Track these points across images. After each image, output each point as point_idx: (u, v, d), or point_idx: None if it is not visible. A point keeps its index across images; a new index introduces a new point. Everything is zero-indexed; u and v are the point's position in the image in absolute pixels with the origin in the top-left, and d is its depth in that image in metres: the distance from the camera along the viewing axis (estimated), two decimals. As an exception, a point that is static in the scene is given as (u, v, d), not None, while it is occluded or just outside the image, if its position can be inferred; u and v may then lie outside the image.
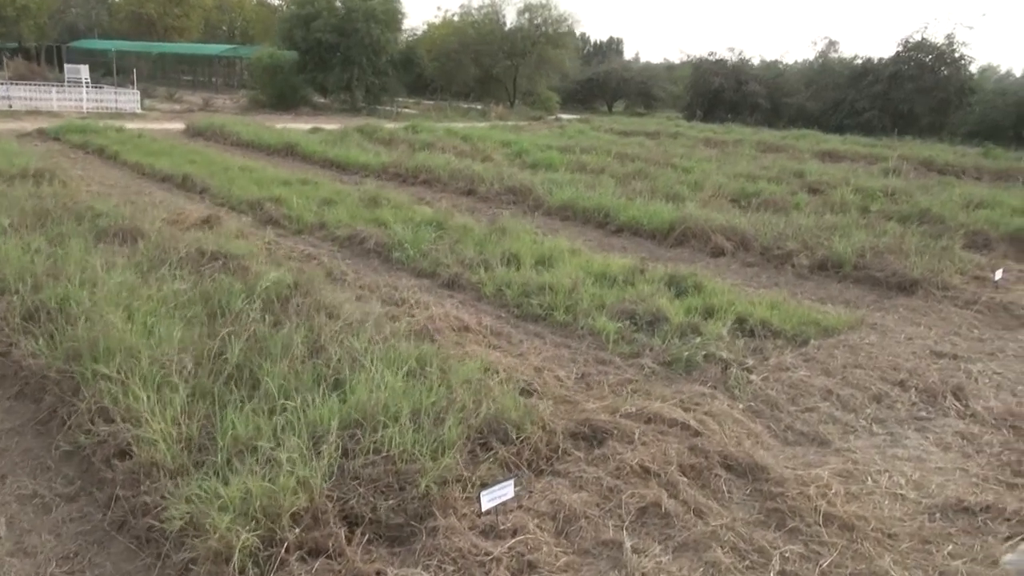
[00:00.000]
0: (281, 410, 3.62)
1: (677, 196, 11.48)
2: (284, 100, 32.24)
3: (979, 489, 3.85)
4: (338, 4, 30.32)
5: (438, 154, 15.83)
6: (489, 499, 3.08)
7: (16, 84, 23.81)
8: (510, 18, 38.55)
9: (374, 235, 8.43)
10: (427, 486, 3.24)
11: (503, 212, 11.27)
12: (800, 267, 8.35)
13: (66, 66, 26.55)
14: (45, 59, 60.44)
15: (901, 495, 3.76)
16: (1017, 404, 4.90)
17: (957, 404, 4.86)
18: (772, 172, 15.66)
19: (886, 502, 3.69)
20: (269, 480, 3.01)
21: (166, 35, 61.14)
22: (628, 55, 79.62)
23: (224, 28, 69.04)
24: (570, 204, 10.87)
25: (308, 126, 22.91)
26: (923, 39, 36.34)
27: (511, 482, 3.22)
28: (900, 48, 36.94)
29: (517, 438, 3.77)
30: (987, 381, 5.37)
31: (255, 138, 17.34)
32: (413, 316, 5.78)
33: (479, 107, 37.17)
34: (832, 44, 41.89)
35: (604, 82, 48.64)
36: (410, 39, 35.21)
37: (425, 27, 42.36)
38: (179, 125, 21.12)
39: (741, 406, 4.75)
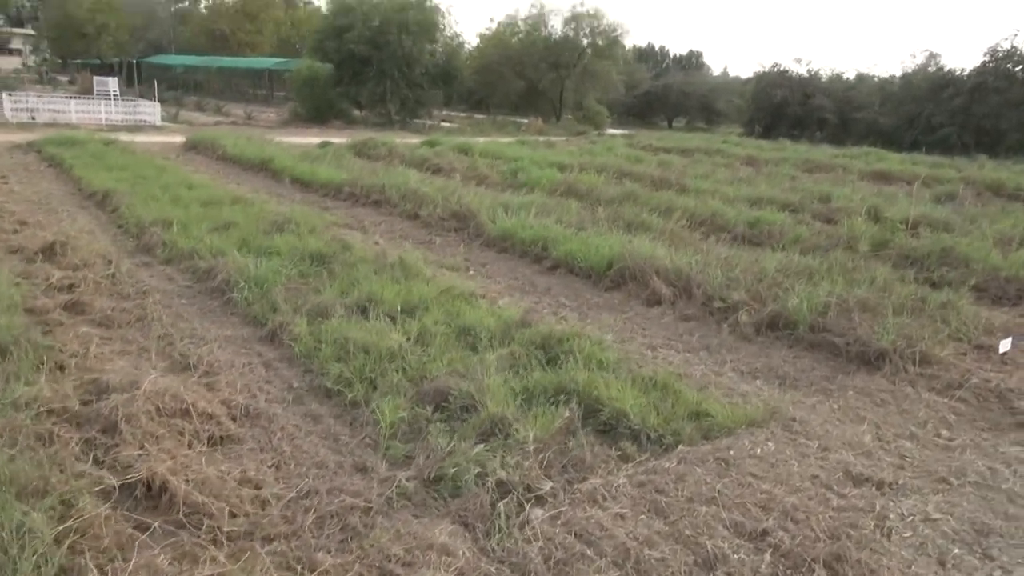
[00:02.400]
0: None
1: (641, 226, 9.74)
2: (321, 113, 31.73)
3: None
4: (373, 16, 29.52)
5: (415, 172, 14.54)
6: None
7: (39, 96, 23.89)
8: (557, 28, 37.05)
9: (226, 269, 7.10)
10: None
11: (436, 240, 9.84)
12: (744, 325, 6.54)
13: (95, 79, 26.70)
14: (126, 74, 62.89)
15: None
16: (929, 591, 3.09)
17: (826, 586, 3.09)
18: (794, 197, 13.64)
19: None
20: None
21: (239, 50, 62.40)
22: (716, 70, 77.09)
23: (295, 43, 69.97)
24: (510, 234, 9.31)
25: (319, 140, 22.06)
26: (1013, 47, 32.87)
27: None
28: (987, 58, 33.52)
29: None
30: (907, 535, 3.53)
31: (239, 153, 16.48)
32: (131, 393, 4.36)
33: (525, 120, 35.76)
34: (933, 56, 37.39)
35: (663, 96, 46.40)
36: (453, 50, 34.06)
37: (477, 40, 41.35)
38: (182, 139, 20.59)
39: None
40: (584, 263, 8.20)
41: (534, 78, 36.35)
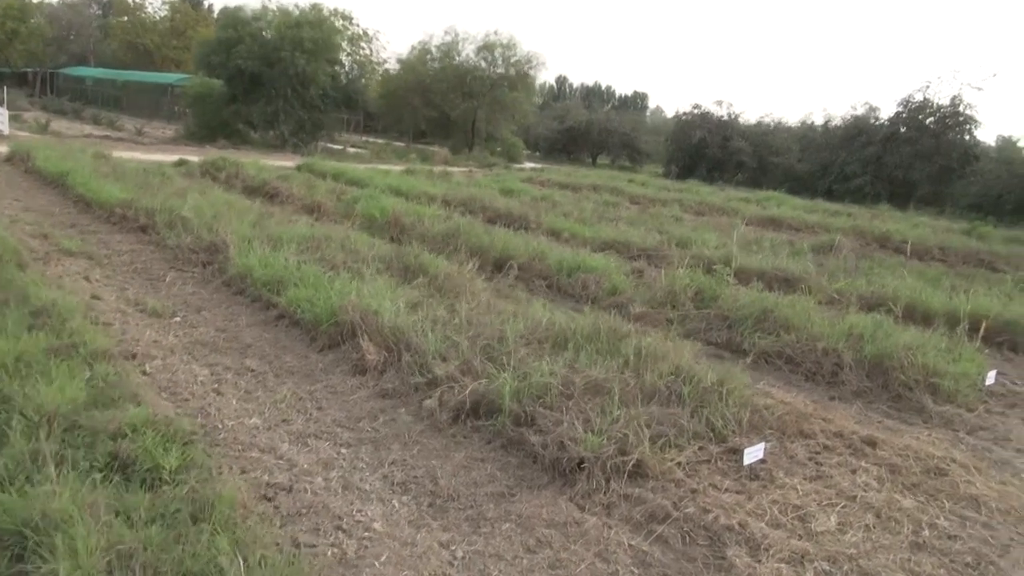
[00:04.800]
0: None
1: (421, 268, 8.12)
2: (213, 132, 29.66)
3: None
4: (264, 32, 27.70)
5: (227, 194, 12.80)
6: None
7: None
8: (471, 56, 35.75)
9: None
10: None
11: (168, 276, 8.07)
12: (440, 409, 4.91)
13: (-57, 86, 24.29)
14: (41, 85, 59.88)
15: None
16: None
17: None
18: (651, 241, 12.27)
19: None
20: None
21: (163, 65, 60.15)
22: (670, 112, 77.43)
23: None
24: (248, 271, 7.60)
25: (176, 157, 20.13)
26: (925, 99, 32.73)
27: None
28: (900, 108, 33.34)
29: None
30: None
31: (45, 166, 14.51)
32: None
33: (433, 149, 34.28)
34: (873, 109, 35.67)
35: (585, 133, 45.50)
36: (363, 73, 32.47)
37: (398, 65, 39.82)
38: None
39: None
40: (308, 314, 6.53)
41: (445, 107, 34.93)
